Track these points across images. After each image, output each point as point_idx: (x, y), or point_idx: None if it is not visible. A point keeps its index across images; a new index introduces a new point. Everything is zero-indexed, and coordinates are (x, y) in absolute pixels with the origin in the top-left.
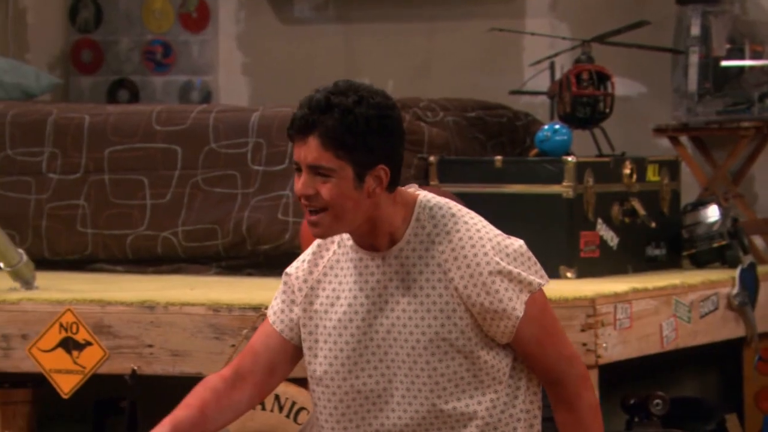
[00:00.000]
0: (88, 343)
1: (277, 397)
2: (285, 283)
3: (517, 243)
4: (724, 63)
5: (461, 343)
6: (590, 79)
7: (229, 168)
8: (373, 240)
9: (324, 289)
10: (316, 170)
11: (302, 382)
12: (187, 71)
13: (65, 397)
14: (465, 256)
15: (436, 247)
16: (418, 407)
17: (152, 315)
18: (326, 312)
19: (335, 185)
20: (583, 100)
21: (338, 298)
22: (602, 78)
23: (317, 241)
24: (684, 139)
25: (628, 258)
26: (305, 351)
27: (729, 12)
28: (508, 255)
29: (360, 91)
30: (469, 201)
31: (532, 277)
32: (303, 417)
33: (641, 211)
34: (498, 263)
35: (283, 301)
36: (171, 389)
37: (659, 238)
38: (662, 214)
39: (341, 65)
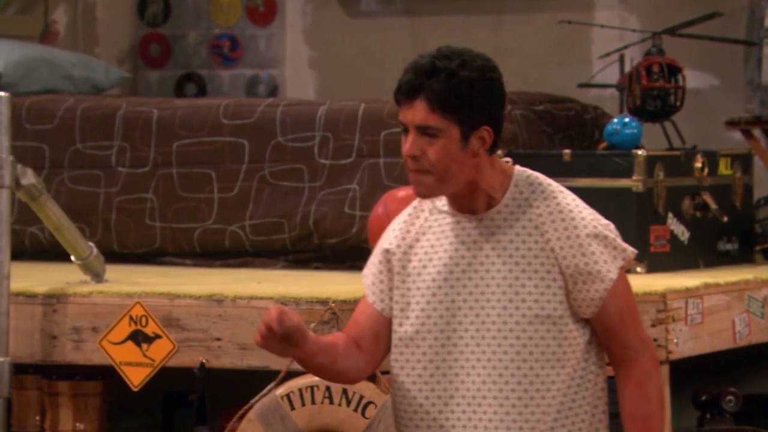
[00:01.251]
0: (158, 336)
1: (344, 391)
2: (380, 254)
3: (606, 220)
4: None
5: (552, 306)
6: (661, 71)
7: (296, 162)
8: (472, 202)
9: (416, 253)
10: (423, 131)
11: (370, 377)
12: (254, 65)
13: (135, 389)
14: (563, 219)
15: (534, 210)
16: (502, 370)
17: (220, 308)
18: (419, 274)
19: (442, 146)
20: (654, 93)
21: (431, 260)
22: (673, 70)
23: (408, 210)
24: (757, 132)
25: (699, 252)
26: (396, 313)
27: None
28: (600, 222)
29: (463, 55)
30: None
31: (624, 246)
32: (371, 411)
33: (713, 205)
34: (595, 227)
35: (381, 272)
36: (239, 383)
37: (731, 233)
38: (734, 208)
39: (408, 59)
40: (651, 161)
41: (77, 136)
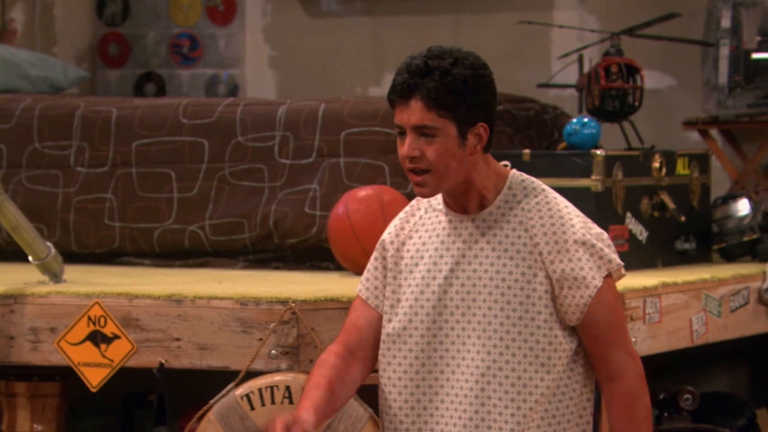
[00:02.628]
0: (116, 337)
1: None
2: (377, 249)
3: (599, 229)
4: (755, 55)
5: (537, 309)
6: (619, 72)
7: (256, 161)
8: (466, 201)
9: (409, 250)
10: (420, 131)
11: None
12: (213, 64)
13: (93, 390)
14: (552, 224)
15: (525, 214)
16: (484, 370)
17: (180, 308)
18: (411, 271)
19: (440, 145)
20: (612, 93)
21: (422, 257)
22: (631, 71)
23: (406, 208)
24: (714, 132)
25: (657, 252)
26: (387, 310)
27: (760, 4)
28: (591, 231)
29: (454, 54)
30: None
31: (613, 255)
32: None
33: (671, 205)
34: (584, 234)
35: (376, 268)
36: (198, 383)
37: (689, 232)
38: (692, 207)
39: (368, 58)
40: (610, 161)
41: (35, 136)
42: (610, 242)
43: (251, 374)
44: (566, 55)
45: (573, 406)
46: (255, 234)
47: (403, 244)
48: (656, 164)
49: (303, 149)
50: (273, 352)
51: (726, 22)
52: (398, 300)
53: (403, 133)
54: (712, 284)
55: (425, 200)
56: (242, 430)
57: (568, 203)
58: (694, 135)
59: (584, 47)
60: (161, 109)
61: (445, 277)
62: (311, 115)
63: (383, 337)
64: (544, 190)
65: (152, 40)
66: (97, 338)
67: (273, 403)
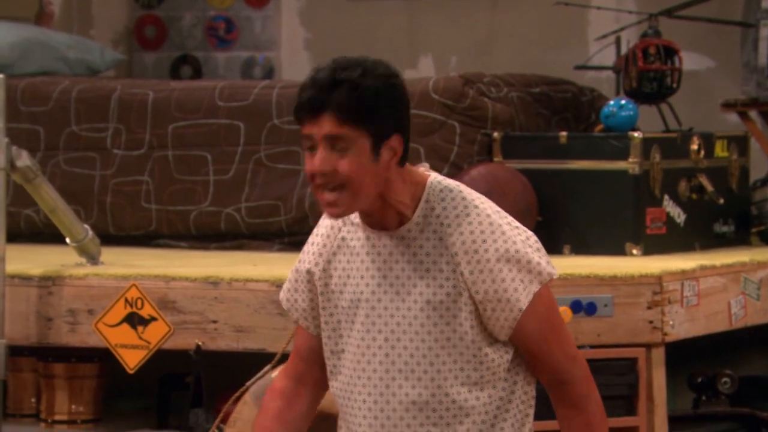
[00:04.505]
0: (153, 319)
1: None
2: (299, 280)
3: (528, 232)
4: None
5: (464, 329)
6: (657, 53)
7: (292, 144)
8: (382, 219)
9: (335, 269)
10: (333, 144)
11: None
12: (249, 47)
13: (130, 371)
14: (474, 241)
15: (445, 230)
16: (416, 397)
17: (216, 291)
18: (341, 292)
19: (353, 158)
20: (650, 75)
21: (349, 276)
22: (669, 52)
23: (321, 225)
24: (753, 114)
25: (695, 235)
26: (329, 332)
27: None
28: (516, 243)
29: (363, 64)
30: (534, 177)
31: (542, 267)
32: None
33: (709, 188)
34: (507, 251)
35: (303, 300)
36: (235, 365)
37: (727, 215)
38: (730, 190)
39: (404, 41)
40: (647, 143)
41: (72, 118)
42: (539, 246)
43: (287, 356)
44: (603, 36)
45: (515, 408)
46: (291, 216)
47: (329, 262)
48: (694, 146)
49: None
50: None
51: (766, 3)
52: (338, 321)
53: (312, 148)
54: (751, 267)
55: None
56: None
57: (488, 208)
58: (733, 117)
59: (622, 29)
60: (197, 91)
61: (367, 300)
62: None
63: (330, 354)
64: (464, 199)
65: (188, 23)
66: (134, 320)
67: None
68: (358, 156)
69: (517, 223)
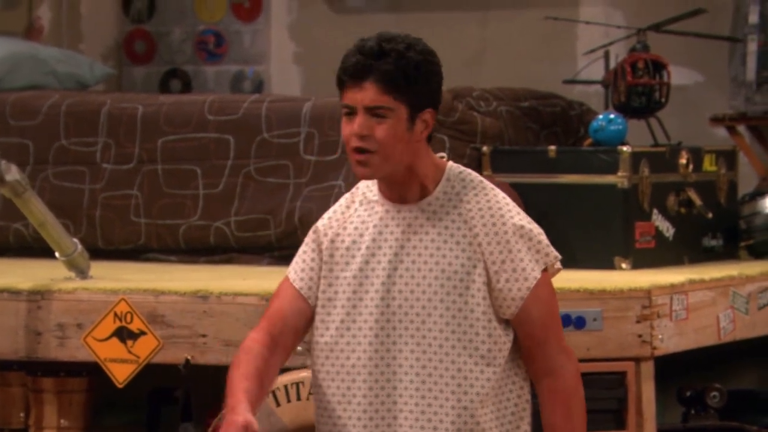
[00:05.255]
0: (142, 333)
1: None
2: (311, 236)
3: (536, 224)
4: None
5: (476, 301)
6: (646, 68)
7: (282, 158)
8: (406, 190)
9: (343, 241)
10: (372, 112)
11: None
12: (239, 61)
13: (120, 386)
14: (492, 215)
15: (464, 205)
16: (425, 362)
17: (205, 305)
18: (347, 263)
19: (390, 126)
20: (639, 90)
21: (359, 249)
22: (658, 67)
23: (340, 200)
24: (741, 128)
25: (684, 249)
26: (323, 302)
27: None
28: (530, 222)
29: (406, 39)
30: (523, 191)
31: (549, 249)
32: None
33: (698, 202)
34: (522, 227)
35: (312, 259)
36: (224, 379)
37: (716, 229)
38: (719, 204)
39: None
40: (636, 157)
41: (62, 132)
42: (547, 241)
43: None
44: (592, 51)
45: (516, 403)
46: (280, 230)
47: (337, 234)
48: (683, 161)
49: (328, 145)
50: (299, 348)
51: (754, 18)
52: (330, 299)
53: (350, 113)
54: (739, 281)
55: (360, 193)
56: (268, 426)
57: (506, 196)
58: (721, 131)
59: (610, 43)
60: (187, 105)
61: (383, 269)
62: (336, 112)
63: (319, 346)
64: (481, 181)
65: (178, 37)
66: (124, 334)
67: (299, 399)
68: (395, 124)
69: (525, 215)
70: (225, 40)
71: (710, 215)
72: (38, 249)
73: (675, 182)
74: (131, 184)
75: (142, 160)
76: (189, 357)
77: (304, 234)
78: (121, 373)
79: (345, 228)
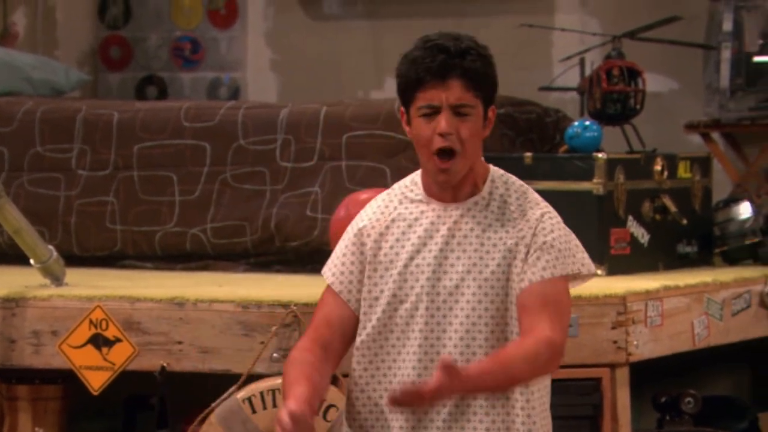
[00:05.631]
0: (118, 340)
1: None
2: (353, 238)
3: (574, 236)
4: (757, 59)
5: (510, 299)
6: (621, 75)
7: (258, 165)
8: (460, 188)
9: (387, 241)
10: (457, 110)
11: (331, 380)
12: (215, 68)
13: (95, 393)
14: (536, 218)
15: (508, 207)
16: (469, 357)
17: (181, 312)
18: (391, 261)
19: (473, 123)
20: (614, 97)
21: (403, 247)
22: (633, 74)
23: (378, 198)
24: (716, 135)
25: (659, 255)
26: (371, 302)
27: (761, 7)
28: (569, 232)
29: (470, 37)
30: None
31: (577, 260)
32: (332, 414)
33: (672, 208)
34: (560, 237)
35: (352, 263)
36: (200, 386)
37: (691, 235)
38: (694, 211)
39: (369, 61)
40: (611, 164)
41: (37, 139)
42: (582, 248)
43: (253, 377)
44: (568, 58)
45: (545, 391)
46: (256, 237)
47: (381, 234)
48: (658, 167)
49: (305, 152)
50: (275, 355)
51: (728, 25)
52: (376, 299)
53: (430, 114)
54: (713, 287)
55: (399, 192)
56: None
57: (545, 202)
58: (696, 138)
59: (586, 50)
60: (163, 112)
61: (429, 265)
62: (313, 119)
63: (358, 344)
64: (522, 185)
65: (154, 44)
66: (99, 341)
67: (275, 406)
68: (476, 121)
69: (564, 224)
70: (201, 47)
71: (685, 222)
72: (13, 256)
73: (650, 189)
74: (107, 190)
75: (117, 166)
76: (165, 364)
77: (281, 241)
78: (96, 381)
79: (388, 227)
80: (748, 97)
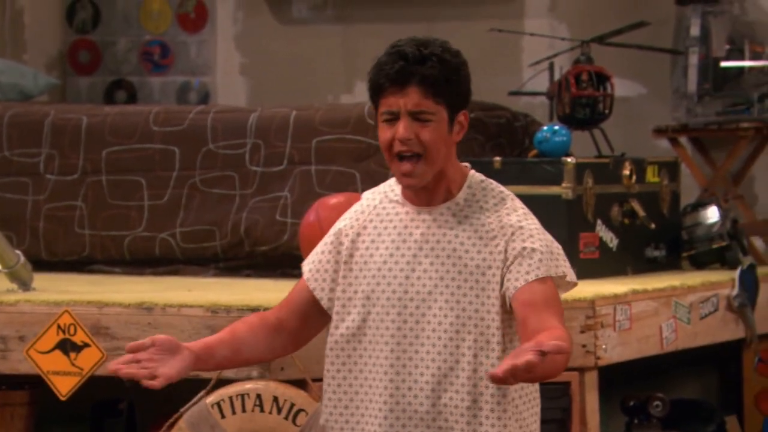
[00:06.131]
0: (86, 345)
1: (275, 399)
2: (332, 237)
3: (555, 243)
4: (724, 64)
5: (491, 302)
6: (589, 79)
7: (227, 169)
8: (433, 193)
9: (364, 241)
10: (416, 116)
11: (301, 384)
12: (185, 72)
13: (63, 398)
14: (511, 225)
15: (484, 212)
16: (440, 364)
17: (150, 316)
18: (365, 263)
19: (434, 129)
20: (583, 101)
21: (377, 248)
22: (601, 79)
23: (366, 194)
24: (683, 139)
25: (627, 259)
26: (344, 302)
27: (729, 12)
28: (547, 237)
29: (439, 43)
30: None
31: (560, 265)
32: (302, 419)
33: (641, 212)
34: (535, 249)
35: (328, 261)
36: (169, 391)
37: (659, 240)
38: (662, 215)
39: (339, 65)
40: (580, 168)
41: (5, 143)
42: (565, 257)
43: (222, 382)
44: (537, 62)
45: (526, 396)
46: (226, 241)
47: (358, 234)
48: (626, 172)
49: (274, 157)
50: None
51: (695, 31)
52: (350, 299)
53: (391, 120)
54: (681, 291)
55: (382, 191)
56: None
57: (526, 209)
58: (664, 143)
59: (555, 55)
60: (132, 116)
61: (402, 270)
62: (282, 123)
63: (332, 344)
64: (501, 191)
65: (123, 48)
66: (67, 347)
67: (244, 411)
68: (438, 127)
69: (544, 230)
70: (171, 51)
71: (653, 226)
72: None
73: (618, 193)
74: (75, 195)
75: (86, 171)
76: None
77: (250, 245)
78: (64, 386)
79: (365, 227)
80: (715, 101)
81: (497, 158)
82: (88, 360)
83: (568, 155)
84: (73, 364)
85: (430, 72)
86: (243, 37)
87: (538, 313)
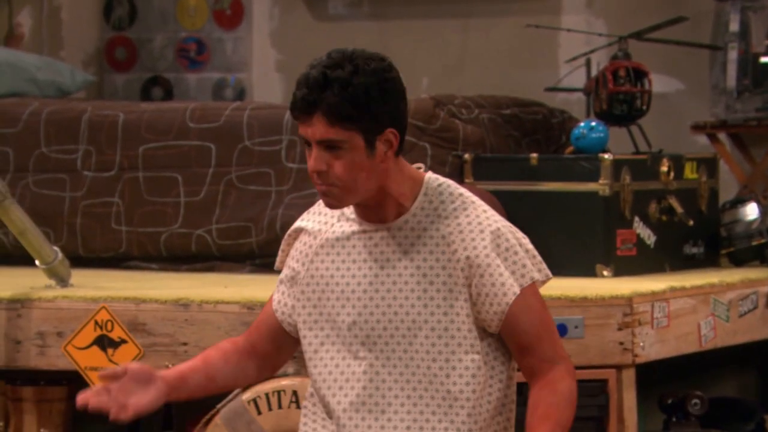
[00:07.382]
0: (123, 341)
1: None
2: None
3: (521, 233)
4: (764, 59)
5: (460, 319)
6: (627, 75)
7: (263, 165)
8: (381, 211)
9: (323, 261)
10: (325, 145)
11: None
12: (221, 68)
13: None
14: (471, 231)
15: (443, 221)
16: (415, 386)
17: (186, 313)
18: (327, 284)
19: (347, 158)
20: (620, 97)
21: (338, 269)
22: (639, 75)
23: (317, 215)
24: (722, 136)
25: (665, 256)
26: (310, 324)
27: None
28: (509, 239)
29: (354, 60)
30: (504, 199)
31: (531, 267)
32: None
33: (679, 209)
34: (499, 245)
35: (286, 294)
36: None
37: (697, 237)
38: (700, 212)
39: None
40: (617, 165)
41: (42, 140)
42: (533, 250)
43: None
44: (574, 58)
45: (509, 417)
46: (262, 238)
47: (317, 254)
48: (664, 168)
49: None
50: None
51: (734, 26)
52: (320, 314)
53: (308, 145)
54: (720, 289)
55: (338, 210)
56: None
57: (486, 208)
58: (702, 139)
59: (592, 51)
60: (168, 113)
61: (364, 290)
62: None
63: (311, 354)
64: (461, 194)
65: (159, 44)
66: (104, 342)
67: (280, 407)
68: (352, 155)
69: (512, 225)
70: (207, 48)
71: (691, 223)
72: (18, 257)
73: (656, 190)
74: (112, 191)
75: (123, 167)
76: (170, 365)
77: None
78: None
79: (323, 246)
80: (755, 97)
81: (534, 155)
82: (125, 356)
83: (605, 152)
84: (110, 360)
85: (333, 100)
86: (279, 33)
87: (532, 352)
